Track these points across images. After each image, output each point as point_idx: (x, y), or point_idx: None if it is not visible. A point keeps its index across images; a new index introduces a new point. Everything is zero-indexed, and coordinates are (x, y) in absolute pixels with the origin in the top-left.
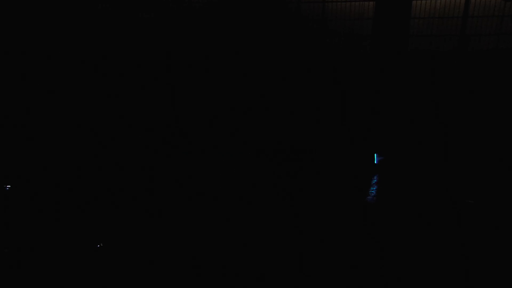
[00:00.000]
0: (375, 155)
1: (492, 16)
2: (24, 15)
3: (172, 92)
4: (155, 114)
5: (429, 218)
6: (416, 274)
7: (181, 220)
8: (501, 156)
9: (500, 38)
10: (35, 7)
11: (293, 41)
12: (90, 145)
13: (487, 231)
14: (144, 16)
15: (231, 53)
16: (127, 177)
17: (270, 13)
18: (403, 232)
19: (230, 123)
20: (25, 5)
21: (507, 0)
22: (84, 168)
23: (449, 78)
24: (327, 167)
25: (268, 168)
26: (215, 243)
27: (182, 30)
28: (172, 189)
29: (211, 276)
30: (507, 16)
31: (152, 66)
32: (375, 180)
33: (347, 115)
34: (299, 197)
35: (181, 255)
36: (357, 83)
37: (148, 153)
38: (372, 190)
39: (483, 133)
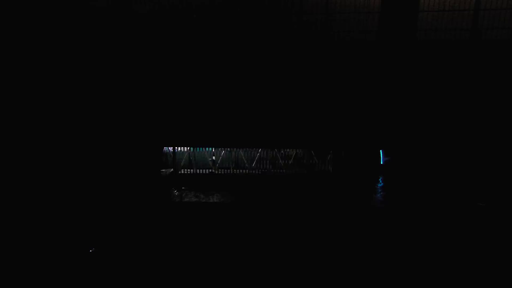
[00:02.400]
0: (381, 155)
1: (505, 8)
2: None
3: (171, 91)
4: (153, 113)
5: (439, 222)
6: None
7: None
8: None
9: None
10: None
11: (295, 36)
12: (88, 145)
13: (501, 235)
14: (139, 11)
15: (233, 50)
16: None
17: (272, 7)
18: (412, 236)
19: (235, 122)
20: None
21: None
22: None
23: (461, 70)
24: (331, 168)
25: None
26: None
27: (181, 27)
28: None
29: None
30: None
31: (149, 64)
32: (381, 181)
33: (352, 112)
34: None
35: None
36: (362, 78)
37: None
38: (379, 192)
39: (498, 129)
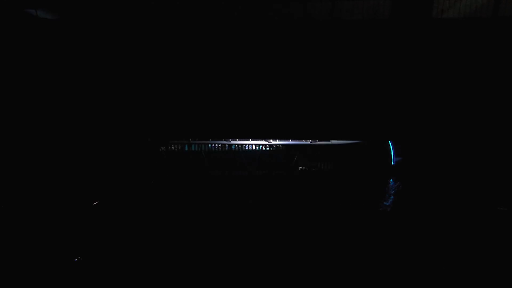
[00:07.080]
0: (392, 155)
1: None
2: None
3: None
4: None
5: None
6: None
7: None
8: None
9: None
10: None
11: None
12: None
13: None
14: None
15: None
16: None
17: None
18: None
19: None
20: None
21: None
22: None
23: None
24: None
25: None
26: None
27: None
28: None
29: None
30: None
31: (144, 56)
32: (392, 183)
33: (359, 106)
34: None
35: None
36: (370, 69)
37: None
38: (390, 195)
39: None
